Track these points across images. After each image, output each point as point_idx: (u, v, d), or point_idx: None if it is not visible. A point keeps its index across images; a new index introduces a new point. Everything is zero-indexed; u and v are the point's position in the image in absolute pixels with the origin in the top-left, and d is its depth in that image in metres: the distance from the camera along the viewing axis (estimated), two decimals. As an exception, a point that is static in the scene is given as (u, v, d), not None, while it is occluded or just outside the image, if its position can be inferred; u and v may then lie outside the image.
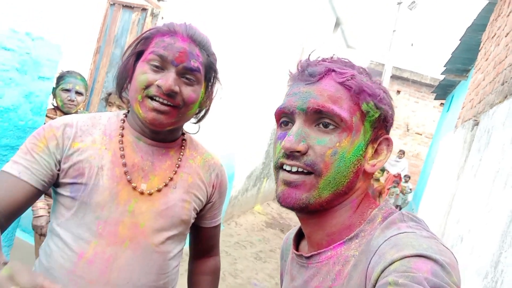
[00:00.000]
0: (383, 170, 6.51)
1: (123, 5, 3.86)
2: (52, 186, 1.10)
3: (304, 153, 0.71)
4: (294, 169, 0.72)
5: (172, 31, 1.07)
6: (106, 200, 1.06)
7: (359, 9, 10.11)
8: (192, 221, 1.22)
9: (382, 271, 0.58)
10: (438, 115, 13.17)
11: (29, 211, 1.42)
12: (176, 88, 1.04)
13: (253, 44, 5.34)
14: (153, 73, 1.05)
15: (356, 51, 11.28)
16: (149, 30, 1.12)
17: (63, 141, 1.07)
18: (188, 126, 1.25)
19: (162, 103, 1.05)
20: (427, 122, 14.04)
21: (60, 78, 2.54)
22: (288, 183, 0.73)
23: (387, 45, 10.83)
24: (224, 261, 4.32)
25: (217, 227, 1.36)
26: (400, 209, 8.68)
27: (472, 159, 2.81)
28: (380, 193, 6.92)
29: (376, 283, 0.58)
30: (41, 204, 2.40)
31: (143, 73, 1.05)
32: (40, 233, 2.43)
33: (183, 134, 1.24)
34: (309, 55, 0.80)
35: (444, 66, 7.09)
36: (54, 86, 2.50)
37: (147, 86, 1.04)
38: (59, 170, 1.08)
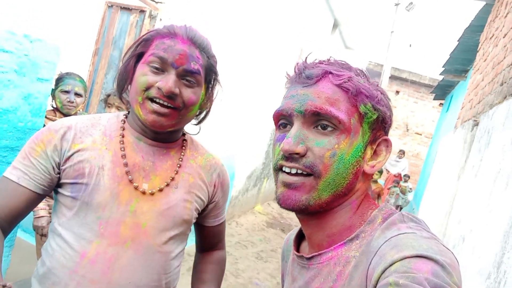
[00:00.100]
0: (380, 171, 6.50)
1: (121, 7, 3.86)
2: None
3: (303, 155, 0.71)
4: (294, 171, 0.72)
5: (172, 33, 1.08)
6: (107, 200, 1.06)
7: (357, 10, 10.12)
8: (194, 221, 1.22)
9: (383, 272, 0.58)
10: (437, 115, 13.20)
11: (29, 212, 1.42)
12: (176, 90, 1.04)
13: (251, 45, 5.34)
14: (153, 75, 1.05)
15: (355, 52, 11.29)
16: (149, 32, 1.12)
17: (62, 144, 1.07)
18: (189, 127, 1.25)
19: (162, 105, 1.05)
20: (427, 122, 14.06)
21: (59, 80, 2.54)
22: (287, 185, 0.73)
23: (386, 46, 10.85)
24: (224, 262, 4.32)
25: (222, 225, 1.37)
26: (401, 209, 8.70)
27: (473, 159, 2.82)
28: (379, 195, 6.92)
29: (376, 284, 0.58)
30: (41, 204, 2.40)
31: (143, 75, 1.06)
32: (41, 234, 2.44)
33: (183, 134, 1.25)
34: (306, 57, 0.80)
35: (443, 67, 7.11)
36: (53, 87, 2.51)
37: (148, 88, 1.05)
38: (59, 173, 1.08)
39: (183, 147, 1.21)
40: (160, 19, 3.71)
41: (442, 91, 9.67)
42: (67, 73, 2.59)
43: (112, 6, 3.88)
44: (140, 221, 1.08)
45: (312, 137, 0.72)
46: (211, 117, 1.27)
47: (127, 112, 1.20)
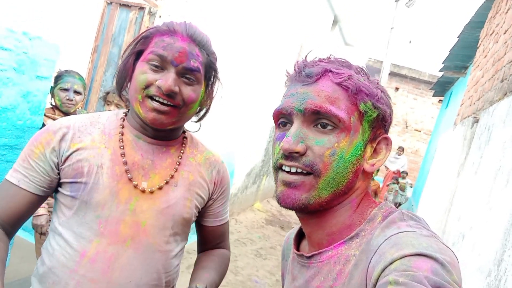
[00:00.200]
0: (377, 169, 6.52)
1: (120, 4, 3.85)
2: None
3: (302, 154, 0.71)
4: (293, 170, 0.72)
5: (172, 30, 1.07)
6: (107, 198, 1.06)
7: (357, 7, 10.10)
8: (194, 219, 1.22)
9: (383, 270, 0.59)
10: (436, 112, 13.20)
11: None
12: (176, 88, 1.04)
13: (251, 42, 5.33)
14: (152, 73, 1.05)
15: (354, 49, 11.28)
16: (149, 29, 1.11)
17: (60, 145, 1.07)
18: (190, 125, 1.25)
19: (162, 103, 1.05)
20: (426, 118, 14.07)
21: (58, 78, 2.53)
22: (287, 184, 0.73)
23: (385, 43, 10.84)
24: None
25: (224, 226, 1.33)
26: (400, 205, 8.70)
27: (473, 156, 2.81)
28: (376, 193, 6.92)
29: (376, 282, 0.59)
30: (41, 203, 2.40)
31: (143, 73, 1.05)
32: (40, 232, 2.44)
33: (184, 132, 1.24)
34: (306, 55, 0.80)
35: (442, 63, 7.09)
36: (52, 85, 2.50)
37: (147, 86, 1.05)
38: (58, 174, 1.08)
39: (183, 145, 1.21)
40: (160, 16, 3.70)
41: (442, 87, 9.66)
42: (66, 71, 2.58)
43: (111, 3, 3.87)
44: (139, 220, 1.08)
45: (312, 136, 0.72)
46: (210, 115, 1.27)
47: (126, 110, 1.20)
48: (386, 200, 9.31)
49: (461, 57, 6.37)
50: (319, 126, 0.72)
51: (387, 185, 10.07)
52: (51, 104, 2.59)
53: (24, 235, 3.38)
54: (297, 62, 0.78)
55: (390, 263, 0.58)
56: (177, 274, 1.23)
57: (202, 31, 1.13)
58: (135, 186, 1.08)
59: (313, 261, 0.76)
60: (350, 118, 0.72)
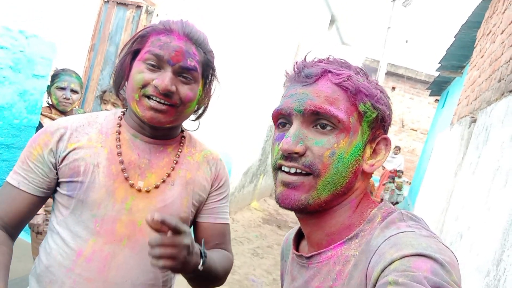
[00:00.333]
0: None
1: (117, 3, 3.84)
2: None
3: (302, 155, 0.71)
4: (293, 170, 0.72)
5: (168, 29, 1.07)
6: (103, 197, 1.06)
7: (354, 6, 10.10)
8: (191, 218, 1.21)
9: (382, 271, 0.59)
10: (433, 111, 13.23)
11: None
12: (173, 88, 1.04)
13: (248, 41, 5.33)
14: (149, 72, 1.05)
15: (351, 48, 11.30)
16: (145, 28, 1.11)
17: (57, 145, 1.08)
18: (188, 124, 1.24)
19: (159, 102, 1.05)
20: (422, 118, 14.11)
21: (55, 76, 2.52)
22: (286, 184, 0.73)
23: (382, 42, 10.85)
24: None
25: (222, 226, 1.25)
26: (397, 204, 8.72)
27: (470, 156, 2.82)
28: (371, 192, 6.94)
29: (376, 283, 0.59)
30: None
31: (140, 72, 1.05)
32: (36, 231, 2.43)
33: (182, 131, 1.24)
34: (305, 56, 0.80)
35: (439, 63, 7.11)
36: (49, 84, 2.49)
37: (144, 86, 1.04)
38: (56, 174, 1.09)
39: (181, 144, 1.20)
40: (157, 15, 3.69)
41: (438, 87, 9.68)
42: (63, 70, 2.57)
43: (108, 1, 3.86)
44: (136, 219, 1.08)
45: (311, 136, 0.72)
46: (207, 114, 1.26)
47: (124, 109, 1.20)
48: (382, 199, 9.32)
49: (458, 57, 6.38)
50: (318, 126, 0.72)
51: (383, 184, 10.10)
52: (48, 103, 2.57)
53: (20, 234, 3.36)
54: (296, 62, 0.78)
55: (390, 264, 0.58)
56: (175, 274, 1.23)
57: (199, 29, 1.13)
58: (131, 185, 1.08)
59: (312, 261, 0.76)
60: (350, 119, 0.72)
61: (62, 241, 1.06)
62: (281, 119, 0.77)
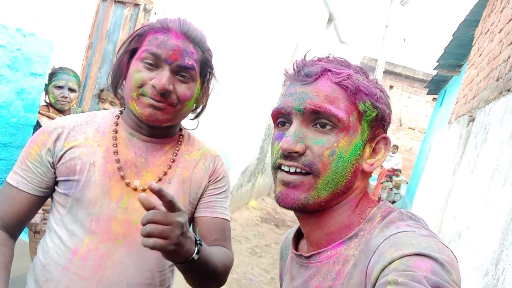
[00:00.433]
0: None
1: (115, 1, 3.82)
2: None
3: (302, 154, 0.71)
4: (292, 170, 0.72)
5: (166, 27, 1.06)
6: (98, 196, 1.06)
7: (352, 5, 10.10)
8: (189, 216, 1.20)
9: (382, 270, 0.59)
10: (430, 110, 13.26)
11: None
12: (170, 87, 1.04)
13: (246, 39, 5.32)
14: (147, 71, 1.04)
15: (349, 47, 11.30)
16: (143, 26, 1.11)
17: (55, 145, 1.08)
18: (187, 123, 1.24)
19: (157, 101, 1.04)
20: (420, 117, 14.14)
21: (52, 75, 2.51)
22: (286, 184, 0.73)
23: (380, 41, 10.85)
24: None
25: (220, 221, 1.21)
26: (394, 203, 8.73)
27: (469, 155, 2.82)
28: None
29: (376, 282, 0.58)
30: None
31: (137, 71, 1.05)
32: (34, 231, 2.42)
33: (180, 130, 1.23)
34: (305, 54, 0.80)
35: (437, 62, 7.12)
36: (47, 82, 2.48)
37: (142, 85, 1.04)
38: (54, 173, 1.09)
39: (179, 143, 1.20)
40: (155, 13, 3.68)
41: (436, 86, 9.70)
42: (60, 68, 2.56)
43: (105, -1, 3.84)
44: (131, 218, 1.08)
45: (311, 136, 0.72)
46: (205, 112, 1.26)
47: (122, 108, 1.19)
48: (380, 198, 9.35)
49: (456, 55, 6.40)
50: (318, 125, 0.72)
51: (381, 183, 10.12)
52: (46, 102, 2.57)
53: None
54: (296, 61, 0.78)
55: (390, 263, 0.58)
56: (173, 273, 1.22)
57: (197, 28, 1.12)
58: (127, 184, 1.08)
59: (312, 261, 0.76)
60: (349, 118, 0.72)
61: (59, 239, 1.07)
62: (281, 118, 0.77)
